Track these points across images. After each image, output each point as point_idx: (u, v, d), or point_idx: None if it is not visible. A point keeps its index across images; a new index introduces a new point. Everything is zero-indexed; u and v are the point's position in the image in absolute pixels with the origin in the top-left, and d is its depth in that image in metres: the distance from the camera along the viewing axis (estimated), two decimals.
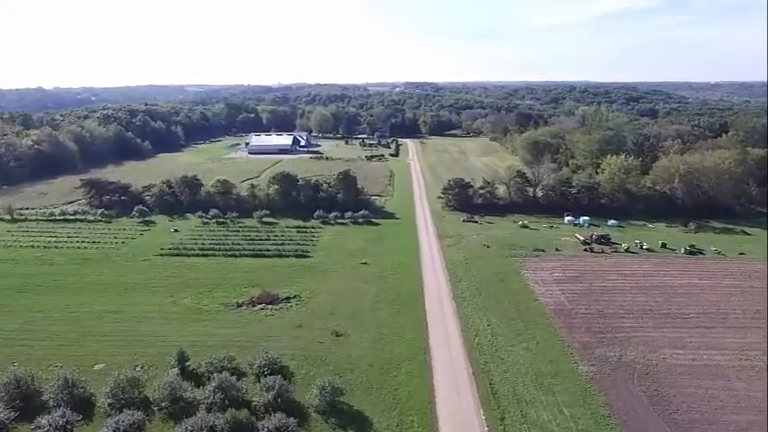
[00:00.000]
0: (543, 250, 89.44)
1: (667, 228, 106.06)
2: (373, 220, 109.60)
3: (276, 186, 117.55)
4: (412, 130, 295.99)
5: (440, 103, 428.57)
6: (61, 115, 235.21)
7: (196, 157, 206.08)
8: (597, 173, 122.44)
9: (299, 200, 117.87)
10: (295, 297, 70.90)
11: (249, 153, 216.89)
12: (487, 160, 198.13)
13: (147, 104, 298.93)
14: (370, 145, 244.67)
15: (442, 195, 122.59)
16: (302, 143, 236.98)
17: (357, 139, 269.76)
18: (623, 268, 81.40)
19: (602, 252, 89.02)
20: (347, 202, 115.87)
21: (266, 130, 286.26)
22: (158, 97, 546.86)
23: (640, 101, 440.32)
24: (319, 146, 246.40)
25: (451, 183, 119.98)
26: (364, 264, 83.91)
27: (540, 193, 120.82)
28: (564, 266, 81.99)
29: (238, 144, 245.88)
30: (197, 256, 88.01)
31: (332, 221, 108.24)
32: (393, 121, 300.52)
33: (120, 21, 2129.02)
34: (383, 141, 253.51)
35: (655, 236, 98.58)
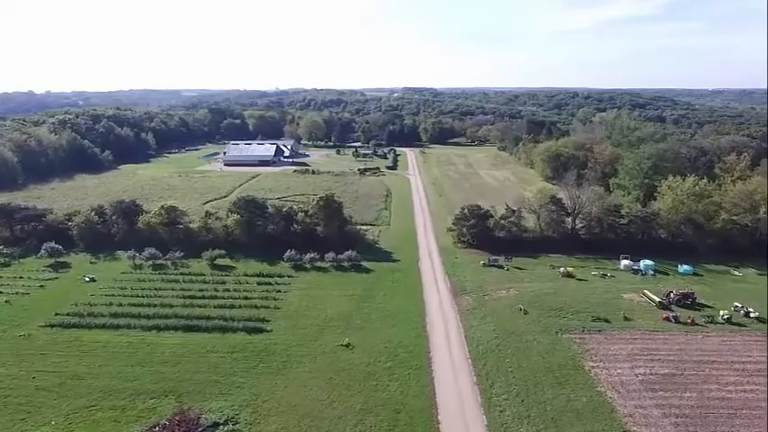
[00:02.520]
0: (607, 320, 61.71)
1: (760, 276, 78.71)
2: (363, 263, 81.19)
3: (237, 216, 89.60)
4: (411, 138, 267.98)
5: (440, 108, 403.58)
6: (13, 120, 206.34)
7: (163, 170, 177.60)
8: (654, 197, 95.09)
9: (267, 233, 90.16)
10: (227, 423, 43.16)
11: (225, 165, 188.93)
12: (500, 174, 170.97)
13: (118, 108, 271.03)
14: (365, 155, 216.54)
15: (454, 227, 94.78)
16: (286, 153, 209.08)
17: (350, 148, 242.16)
18: (738, 357, 53.81)
19: (693, 323, 61.47)
20: (329, 237, 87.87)
21: (253, 137, 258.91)
22: (152, 102, 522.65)
23: (646, 107, 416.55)
24: (307, 156, 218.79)
25: (466, 212, 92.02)
26: (346, 346, 56.17)
27: (579, 225, 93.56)
28: (647, 352, 54.43)
29: (217, 153, 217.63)
30: (103, 327, 60.29)
31: (307, 265, 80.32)
32: (391, 127, 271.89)
33: (120, 24, 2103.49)
34: (379, 151, 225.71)
35: (751, 291, 71.23)
